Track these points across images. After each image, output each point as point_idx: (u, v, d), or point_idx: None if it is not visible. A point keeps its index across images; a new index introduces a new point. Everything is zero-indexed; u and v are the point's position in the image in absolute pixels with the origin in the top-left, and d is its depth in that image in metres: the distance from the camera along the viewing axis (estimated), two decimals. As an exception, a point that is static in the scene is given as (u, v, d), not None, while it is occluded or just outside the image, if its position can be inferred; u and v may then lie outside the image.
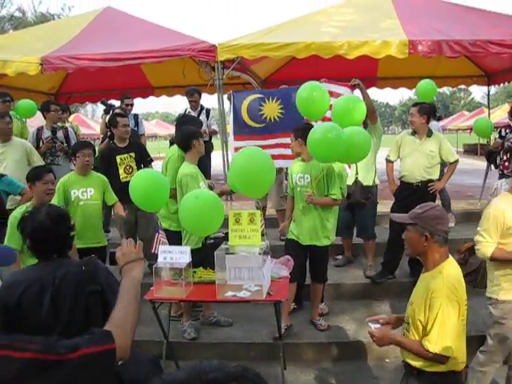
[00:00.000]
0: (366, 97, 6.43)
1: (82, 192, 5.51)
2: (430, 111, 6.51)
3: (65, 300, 2.62)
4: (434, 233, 2.91)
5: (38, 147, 7.50)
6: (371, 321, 3.39)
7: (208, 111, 8.51)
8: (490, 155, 8.60)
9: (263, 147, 6.65)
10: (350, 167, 6.46)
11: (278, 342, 4.76)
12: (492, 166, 8.72)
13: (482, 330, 5.10)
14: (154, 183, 4.54)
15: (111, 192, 5.82)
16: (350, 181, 6.39)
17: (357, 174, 6.48)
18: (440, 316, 2.76)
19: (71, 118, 13.27)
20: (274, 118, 7.15)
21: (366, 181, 6.53)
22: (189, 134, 5.45)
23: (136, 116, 8.82)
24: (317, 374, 5.21)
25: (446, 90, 59.64)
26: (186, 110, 8.68)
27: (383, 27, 7.98)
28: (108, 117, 8.63)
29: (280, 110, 7.09)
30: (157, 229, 4.94)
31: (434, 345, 2.78)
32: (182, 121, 6.40)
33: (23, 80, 9.90)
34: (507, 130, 8.04)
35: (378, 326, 3.30)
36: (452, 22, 8.20)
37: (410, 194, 6.26)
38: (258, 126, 7.26)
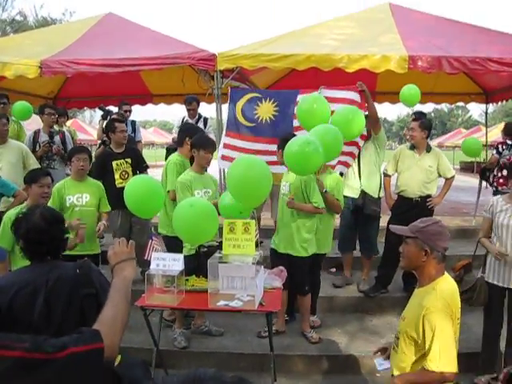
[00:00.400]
0: (370, 104, 6.45)
1: (78, 198, 5.48)
2: (430, 126, 6.53)
3: (58, 302, 2.59)
4: (434, 248, 2.91)
5: (34, 150, 7.50)
6: (378, 359, 3.35)
7: (206, 120, 8.50)
8: (484, 172, 8.63)
9: (249, 151, 6.79)
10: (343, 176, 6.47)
11: (269, 353, 4.72)
12: (485, 183, 8.76)
13: (474, 347, 5.10)
14: (149, 189, 4.52)
15: (106, 199, 5.79)
16: (355, 194, 6.38)
17: (361, 185, 6.47)
18: (438, 332, 2.73)
19: (69, 123, 13.27)
20: (266, 120, 7.07)
21: (371, 193, 6.52)
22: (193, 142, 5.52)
23: (133, 122, 8.82)
24: (307, 386, 5.17)
25: (443, 106, 59.95)
26: (183, 119, 8.68)
27: (383, 42, 7.99)
28: (105, 122, 8.63)
29: (274, 112, 7.03)
30: (150, 235, 4.91)
31: (437, 363, 2.74)
32: (184, 128, 6.41)
33: (22, 83, 9.87)
34: (504, 147, 8.07)
35: (387, 366, 3.24)
36: (452, 39, 8.23)
37: (409, 209, 6.24)
38: (248, 124, 7.18)
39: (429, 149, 6.46)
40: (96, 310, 2.47)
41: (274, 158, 5.95)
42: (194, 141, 5.54)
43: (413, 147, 6.49)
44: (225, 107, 7.83)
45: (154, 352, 4.86)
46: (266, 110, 7.07)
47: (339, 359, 5.47)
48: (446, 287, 2.90)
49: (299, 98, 6.62)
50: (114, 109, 9.13)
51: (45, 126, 7.82)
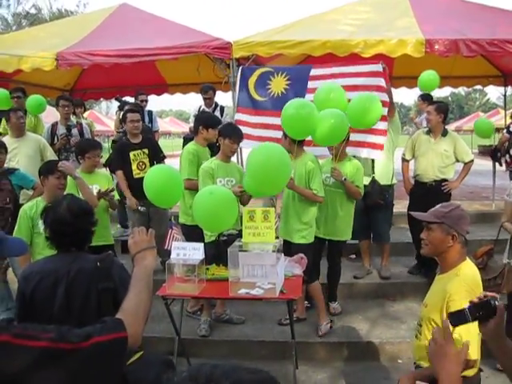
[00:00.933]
0: (388, 86, 6.37)
1: None
2: (446, 110, 6.46)
3: (77, 294, 2.63)
4: (460, 233, 2.88)
5: (52, 143, 7.54)
6: None
7: (222, 108, 8.49)
8: (496, 153, 8.55)
9: (262, 126, 6.82)
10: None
11: (290, 341, 4.73)
12: (497, 164, 8.68)
13: None
14: (168, 179, 4.52)
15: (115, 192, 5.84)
16: (366, 180, 6.35)
17: (373, 172, 6.41)
18: None
19: (86, 115, 13.32)
20: (278, 94, 7.02)
21: (383, 180, 6.45)
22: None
23: (150, 112, 8.84)
24: (329, 373, 5.18)
25: (461, 90, 59.28)
26: (200, 108, 8.67)
27: (399, 26, 7.90)
28: (122, 113, 8.66)
29: (285, 86, 6.98)
30: (170, 225, 4.93)
31: None
32: (198, 117, 6.40)
33: (38, 76, 9.91)
34: None
35: None
36: (469, 21, 8.11)
37: (425, 193, 6.22)
38: (261, 99, 7.15)
39: (445, 133, 6.40)
40: (112, 304, 2.58)
41: None
42: (221, 129, 5.55)
43: (429, 132, 6.43)
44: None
45: (176, 341, 4.89)
46: (278, 84, 7.05)
47: (360, 346, 5.47)
48: (469, 272, 2.88)
49: (317, 84, 6.53)
50: (130, 99, 9.17)
51: (61, 119, 7.87)
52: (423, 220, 3.03)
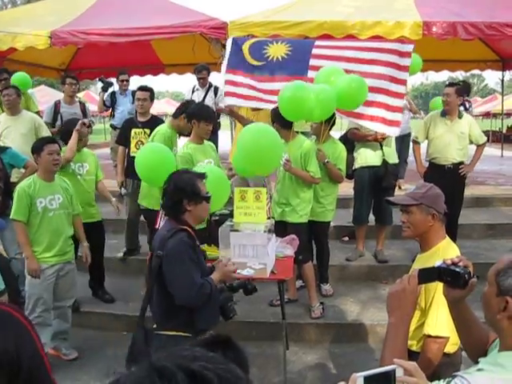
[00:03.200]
0: None
1: (79, 167, 5.55)
2: (468, 91, 6.44)
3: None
4: (440, 211, 2.89)
5: (55, 121, 7.48)
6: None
7: (216, 89, 8.41)
8: None
9: (257, 89, 6.47)
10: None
11: (281, 321, 4.74)
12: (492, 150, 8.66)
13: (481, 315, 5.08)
14: (159, 157, 4.49)
15: (100, 169, 5.90)
16: (377, 161, 6.30)
17: (383, 154, 6.33)
18: (436, 298, 2.68)
19: (81, 95, 13.26)
20: (278, 58, 6.66)
21: (392, 158, 6.43)
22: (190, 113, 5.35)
23: (134, 92, 8.75)
24: (319, 354, 5.20)
25: (459, 75, 59.05)
26: (194, 87, 8.61)
27: (397, 8, 7.85)
28: (105, 95, 8.61)
29: (287, 51, 6.64)
30: (161, 205, 4.90)
31: (432, 327, 2.73)
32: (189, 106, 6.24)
33: (33, 55, 9.86)
34: None
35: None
36: (467, 4, 8.05)
37: (442, 176, 6.11)
38: (256, 63, 6.74)
39: (460, 115, 6.38)
40: (158, 269, 3.09)
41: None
42: (192, 112, 5.29)
43: (444, 114, 6.40)
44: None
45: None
46: (278, 50, 6.70)
47: (351, 327, 5.48)
48: (449, 250, 2.86)
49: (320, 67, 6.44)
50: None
51: (66, 97, 7.76)
52: (401, 203, 3.03)
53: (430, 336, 2.74)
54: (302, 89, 4.87)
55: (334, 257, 6.39)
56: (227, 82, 6.75)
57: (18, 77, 8.18)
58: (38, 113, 7.86)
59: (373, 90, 6.09)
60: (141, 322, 3.27)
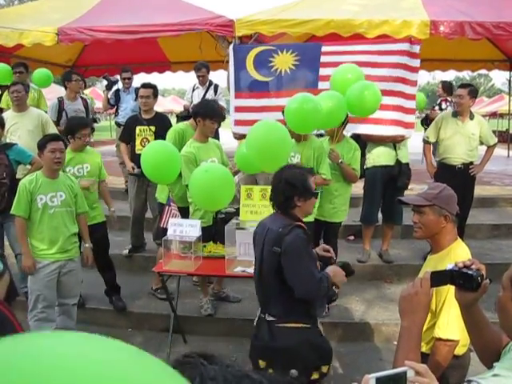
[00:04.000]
0: None
1: (78, 169, 5.45)
2: (477, 94, 6.46)
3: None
4: (453, 212, 2.87)
5: (59, 119, 7.49)
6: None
7: (216, 87, 8.41)
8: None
9: (268, 109, 6.27)
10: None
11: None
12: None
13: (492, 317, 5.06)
14: (165, 155, 4.50)
15: (103, 169, 5.78)
16: (390, 161, 6.28)
17: (396, 154, 6.32)
18: (448, 301, 2.67)
19: (88, 91, 13.27)
20: (286, 71, 6.64)
21: (405, 158, 6.40)
22: (196, 111, 5.35)
23: (137, 89, 8.74)
24: (324, 353, 5.19)
25: (465, 75, 58.86)
26: (194, 85, 8.63)
27: (404, 6, 7.82)
28: (110, 93, 8.60)
29: (294, 62, 6.64)
30: (168, 201, 4.92)
31: (443, 330, 2.72)
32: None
33: (40, 52, 9.88)
34: None
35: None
36: (475, 3, 8.01)
37: (452, 176, 6.08)
38: (265, 79, 6.72)
39: (472, 116, 6.37)
40: (276, 264, 3.20)
41: None
42: (197, 109, 5.33)
43: (455, 114, 6.39)
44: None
45: (172, 318, 4.90)
46: (285, 61, 6.70)
47: (356, 327, 5.48)
48: (460, 252, 2.84)
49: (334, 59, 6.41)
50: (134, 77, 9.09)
51: (71, 93, 7.73)
52: (414, 203, 3.02)
53: (440, 339, 2.73)
54: (309, 101, 4.80)
55: (339, 256, 6.37)
56: (236, 109, 6.75)
57: (42, 72, 8.22)
58: (46, 112, 7.87)
59: (386, 93, 6.11)
60: (263, 316, 3.36)
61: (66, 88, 7.82)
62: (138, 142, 6.38)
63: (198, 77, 8.37)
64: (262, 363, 3.28)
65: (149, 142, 6.27)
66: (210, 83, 8.48)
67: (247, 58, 6.83)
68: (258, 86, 6.80)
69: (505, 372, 1.63)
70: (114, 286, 5.89)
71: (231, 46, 7.07)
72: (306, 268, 3.17)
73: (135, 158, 6.21)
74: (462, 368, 2.76)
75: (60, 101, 7.68)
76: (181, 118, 8.35)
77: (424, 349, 2.87)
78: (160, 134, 6.31)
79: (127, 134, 6.52)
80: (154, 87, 6.50)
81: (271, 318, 3.29)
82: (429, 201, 2.91)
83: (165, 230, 6.48)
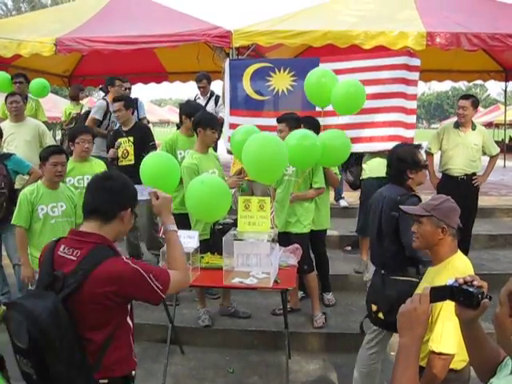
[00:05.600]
0: None
1: (79, 180, 5.39)
2: (478, 104, 6.48)
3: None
4: (450, 225, 2.87)
5: (104, 119, 7.56)
6: None
7: (217, 98, 8.44)
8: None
9: (263, 128, 6.37)
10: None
11: (283, 330, 4.73)
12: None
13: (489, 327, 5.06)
14: (165, 165, 4.49)
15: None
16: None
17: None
18: (443, 312, 2.67)
19: (85, 101, 13.28)
20: (283, 91, 6.66)
21: None
22: (196, 121, 5.34)
23: (135, 100, 8.75)
24: (321, 364, 5.18)
25: (461, 85, 59.14)
26: (196, 96, 8.65)
27: (401, 18, 7.86)
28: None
29: (292, 83, 6.65)
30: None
31: (437, 344, 2.70)
32: (184, 106, 6.26)
33: (38, 62, 9.92)
34: None
35: None
36: (471, 15, 8.07)
37: (454, 187, 6.11)
38: (261, 98, 6.73)
39: (474, 127, 6.39)
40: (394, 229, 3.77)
41: None
42: (197, 119, 5.31)
43: (457, 125, 6.41)
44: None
45: (169, 329, 4.88)
46: (282, 81, 6.69)
47: (354, 337, 5.45)
48: (458, 265, 2.85)
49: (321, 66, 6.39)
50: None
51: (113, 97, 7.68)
52: (413, 213, 3.02)
53: (434, 352, 2.71)
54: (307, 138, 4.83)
55: (336, 266, 6.39)
56: (231, 126, 6.68)
57: (39, 82, 8.23)
58: (45, 122, 7.87)
59: (386, 109, 6.14)
60: (379, 270, 3.91)
61: (106, 93, 7.95)
62: (119, 154, 6.42)
63: (199, 87, 8.41)
64: (374, 307, 3.84)
65: (128, 153, 6.31)
66: (212, 94, 8.53)
67: (244, 75, 6.81)
68: (254, 105, 6.78)
69: None
70: None
71: (227, 62, 7.04)
72: None
73: (119, 170, 6.29)
74: (460, 383, 2.75)
75: (108, 102, 7.65)
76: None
77: (421, 362, 2.86)
78: (138, 144, 6.33)
79: (110, 148, 6.57)
80: (124, 99, 6.53)
81: (384, 272, 3.84)
82: (427, 211, 2.92)
83: (156, 239, 6.52)
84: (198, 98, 8.57)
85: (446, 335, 2.66)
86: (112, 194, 2.48)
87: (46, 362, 2.20)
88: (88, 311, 2.30)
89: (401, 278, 3.75)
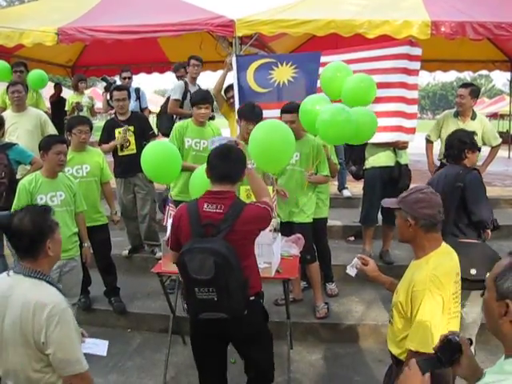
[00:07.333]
0: None
1: (77, 169, 5.43)
2: (479, 94, 6.39)
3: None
4: (418, 217, 2.74)
5: (184, 99, 7.46)
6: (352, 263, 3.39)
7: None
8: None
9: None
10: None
11: (285, 321, 4.72)
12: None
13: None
14: (166, 154, 4.48)
15: (107, 170, 5.76)
16: (390, 162, 6.25)
17: (395, 155, 6.28)
18: (421, 312, 2.62)
19: (88, 92, 13.26)
20: (284, 83, 6.69)
21: (404, 159, 6.38)
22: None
23: (137, 90, 8.72)
24: (323, 354, 5.18)
25: (466, 75, 58.83)
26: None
27: (405, 6, 7.78)
28: (109, 94, 8.61)
29: (293, 74, 6.66)
30: (167, 201, 4.89)
31: (410, 342, 2.66)
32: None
33: (40, 52, 9.89)
34: None
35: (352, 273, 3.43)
36: (476, 3, 7.98)
37: None
38: (263, 91, 6.77)
39: (474, 116, 6.32)
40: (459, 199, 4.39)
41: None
42: (240, 111, 5.47)
43: (457, 114, 6.36)
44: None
45: (171, 319, 4.88)
46: (284, 73, 6.71)
47: (356, 328, 5.45)
48: (439, 261, 2.74)
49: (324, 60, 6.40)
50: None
51: (190, 77, 7.67)
52: (385, 206, 2.97)
53: (410, 351, 2.66)
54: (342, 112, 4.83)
55: (339, 256, 6.37)
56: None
57: (37, 74, 8.21)
58: (46, 112, 7.86)
59: (386, 99, 6.09)
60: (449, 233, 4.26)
61: (179, 78, 8.15)
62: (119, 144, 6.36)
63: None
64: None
65: (130, 142, 6.27)
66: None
67: (247, 70, 6.85)
68: (257, 98, 6.71)
69: (497, 377, 1.61)
70: (114, 287, 5.88)
71: (234, 58, 7.02)
72: (485, 198, 4.49)
73: (118, 160, 6.30)
74: (444, 379, 2.68)
75: (186, 82, 7.62)
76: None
77: (402, 357, 2.81)
78: (139, 133, 6.32)
79: (106, 138, 6.48)
80: (127, 89, 6.53)
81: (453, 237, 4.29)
82: (397, 204, 2.85)
83: (154, 231, 6.51)
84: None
85: (424, 333, 2.61)
86: (236, 163, 3.30)
87: (227, 282, 2.97)
88: (240, 246, 3.07)
89: (467, 241, 4.40)
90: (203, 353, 3.47)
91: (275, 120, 4.61)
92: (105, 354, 3.08)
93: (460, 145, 4.57)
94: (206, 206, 3.16)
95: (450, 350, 1.89)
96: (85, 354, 2.64)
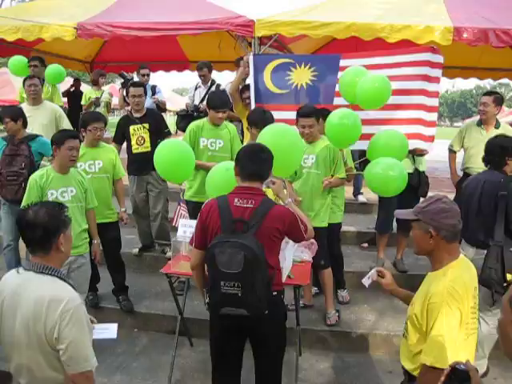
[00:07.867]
0: None
1: (90, 165, 5.39)
2: (502, 102, 6.29)
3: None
4: (440, 228, 2.64)
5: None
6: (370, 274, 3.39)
7: (218, 86, 8.40)
8: None
9: (283, 122, 6.29)
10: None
11: (295, 327, 4.65)
12: None
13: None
14: (179, 153, 4.43)
15: (120, 166, 5.70)
16: (408, 168, 6.10)
17: (414, 162, 6.16)
18: (437, 325, 2.51)
19: (107, 88, 13.27)
20: (302, 86, 6.61)
21: (423, 166, 6.27)
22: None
23: (154, 87, 8.74)
24: (332, 363, 5.10)
25: (486, 83, 58.39)
26: (197, 84, 8.64)
27: (428, 11, 7.66)
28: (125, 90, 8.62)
29: (312, 78, 6.58)
30: (178, 201, 4.84)
31: (426, 356, 2.55)
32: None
33: (59, 46, 9.90)
34: None
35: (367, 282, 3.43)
36: (501, 9, 7.82)
37: None
38: (280, 92, 6.67)
39: (497, 125, 6.22)
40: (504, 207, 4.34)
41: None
42: (250, 118, 5.47)
43: (480, 123, 6.25)
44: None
45: (179, 320, 4.82)
46: (302, 76, 6.62)
47: (366, 337, 5.36)
48: (458, 273, 2.64)
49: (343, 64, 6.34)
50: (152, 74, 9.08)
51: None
52: (401, 218, 2.86)
53: (425, 365, 2.56)
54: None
55: (352, 263, 6.28)
56: None
57: (55, 69, 8.22)
58: (61, 107, 7.86)
59: (406, 106, 6.00)
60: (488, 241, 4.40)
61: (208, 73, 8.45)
62: (133, 141, 6.33)
63: (200, 76, 8.43)
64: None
65: (144, 140, 6.23)
66: (213, 82, 8.50)
67: (265, 70, 6.77)
68: (275, 99, 6.72)
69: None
70: (123, 286, 5.84)
71: (251, 57, 6.93)
72: None
73: (133, 158, 6.25)
74: None
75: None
76: (180, 116, 8.35)
77: (416, 372, 2.70)
78: (154, 131, 6.29)
79: (120, 135, 6.45)
80: (144, 85, 6.51)
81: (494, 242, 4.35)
82: (415, 215, 2.74)
83: (165, 230, 6.46)
84: (199, 86, 8.56)
85: (440, 348, 2.50)
86: (266, 163, 3.41)
87: (254, 279, 3.04)
88: (267, 243, 3.15)
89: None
90: (221, 348, 3.51)
91: (281, 124, 4.50)
92: (115, 336, 3.08)
93: (501, 151, 4.54)
94: (236, 200, 3.25)
95: (458, 380, 1.81)
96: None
